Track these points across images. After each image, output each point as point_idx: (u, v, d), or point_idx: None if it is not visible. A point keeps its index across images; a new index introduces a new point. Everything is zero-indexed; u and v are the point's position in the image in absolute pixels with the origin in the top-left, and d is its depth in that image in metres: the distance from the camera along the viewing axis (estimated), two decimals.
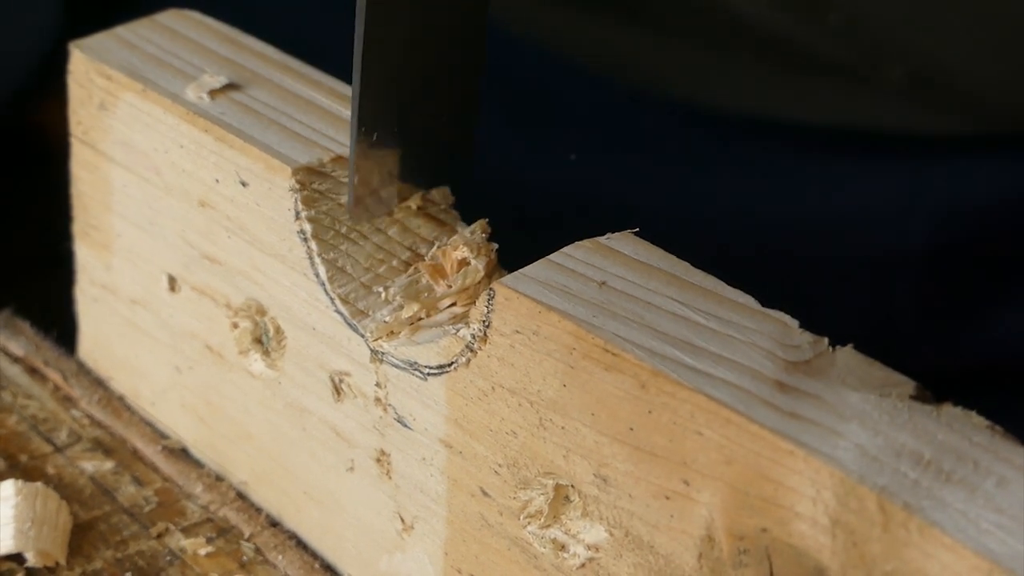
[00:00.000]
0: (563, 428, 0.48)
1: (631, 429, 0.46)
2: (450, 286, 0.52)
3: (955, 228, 0.77)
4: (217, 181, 0.56)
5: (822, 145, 0.77)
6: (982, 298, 0.78)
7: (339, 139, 0.55)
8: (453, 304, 0.52)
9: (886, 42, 0.74)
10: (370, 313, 0.53)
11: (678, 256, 0.49)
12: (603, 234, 0.50)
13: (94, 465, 0.61)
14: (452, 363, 0.50)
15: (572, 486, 0.48)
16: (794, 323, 0.46)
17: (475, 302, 0.50)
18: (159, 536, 0.58)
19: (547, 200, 0.80)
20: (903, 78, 0.74)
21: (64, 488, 0.60)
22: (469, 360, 0.49)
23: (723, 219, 0.79)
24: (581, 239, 0.50)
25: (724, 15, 0.75)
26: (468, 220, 0.55)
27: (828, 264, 0.78)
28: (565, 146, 0.80)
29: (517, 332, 0.48)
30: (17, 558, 0.56)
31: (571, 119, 0.80)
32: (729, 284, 0.48)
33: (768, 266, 0.78)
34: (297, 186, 0.53)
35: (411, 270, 0.53)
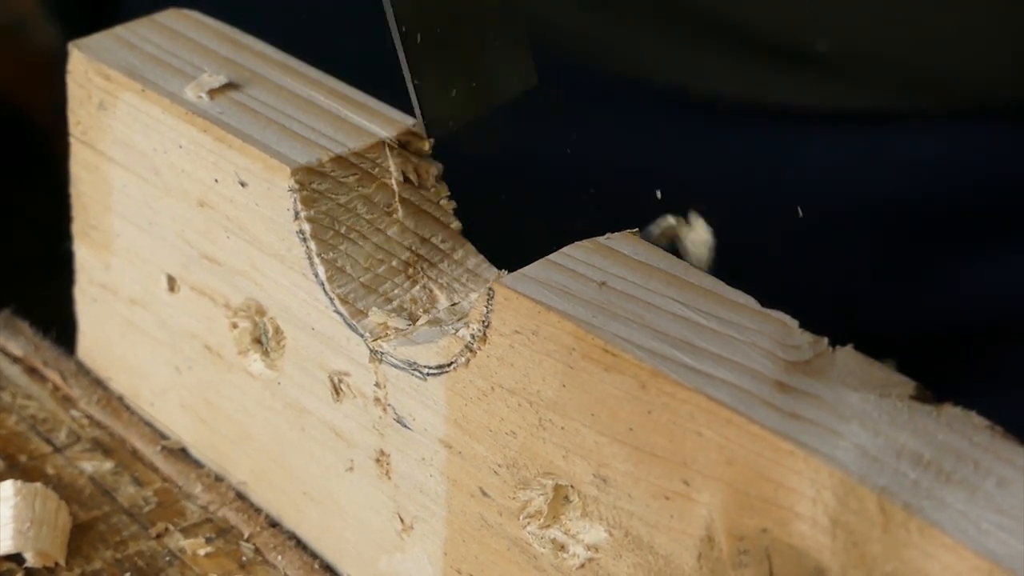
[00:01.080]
0: (563, 428, 0.48)
1: (631, 429, 0.46)
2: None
3: (908, 191, 0.78)
4: (216, 181, 0.56)
5: (761, 119, 0.78)
6: (938, 260, 0.79)
7: (338, 139, 0.55)
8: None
9: (812, 17, 0.75)
10: (369, 313, 0.53)
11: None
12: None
13: (93, 465, 0.61)
14: (451, 363, 0.50)
15: (572, 486, 0.48)
16: (794, 323, 0.46)
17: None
18: (158, 536, 0.58)
19: (535, 187, 0.80)
20: (830, 52, 0.75)
21: (63, 488, 0.60)
22: (468, 360, 0.49)
23: (675, 194, 0.80)
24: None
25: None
26: (466, 214, 0.54)
27: (786, 232, 0.79)
28: (543, 133, 0.81)
29: (517, 332, 0.48)
30: (16, 558, 0.56)
31: (546, 106, 0.81)
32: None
33: (727, 236, 0.79)
34: (296, 186, 0.53)
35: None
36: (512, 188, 0.80)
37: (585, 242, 0.50)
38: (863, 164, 0.78)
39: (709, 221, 0.76)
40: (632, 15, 0.78)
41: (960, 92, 0.77)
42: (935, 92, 0.77)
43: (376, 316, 0.53)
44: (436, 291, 0.53)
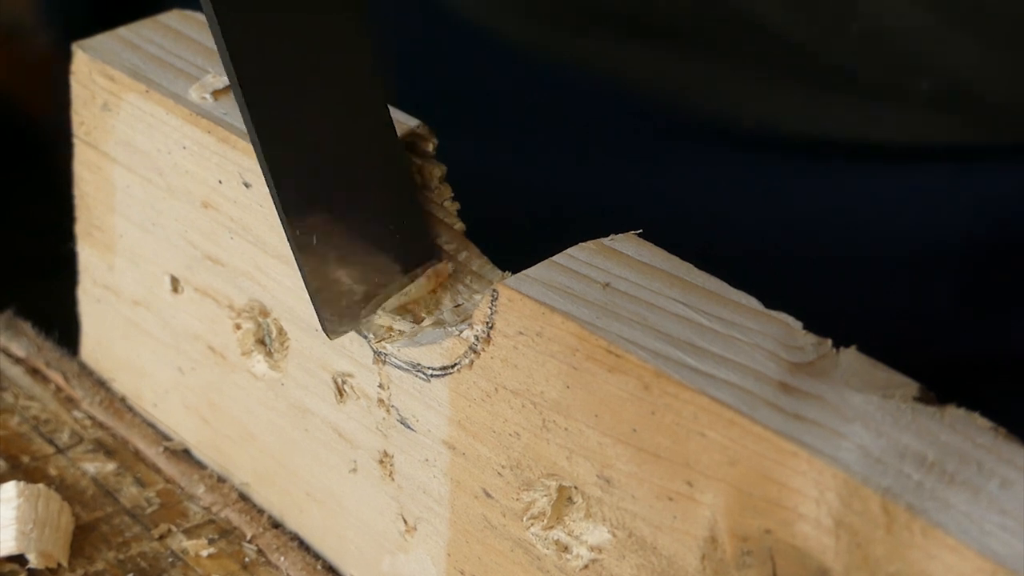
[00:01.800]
0: (566, 429, 0.48)
1: (634, 430, 0.46)
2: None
3: (990, 228, 0.77)
4: (220, 182, 0.56)
5: (843, 157, 0.77)
6: (1017, 297, 0.78)
7: None
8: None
9: (911, 54, 0.74)
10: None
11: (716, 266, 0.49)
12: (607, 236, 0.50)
13: (96, 466, 0.61)
14: (455, 364, 0.50)
15: (575, 487, 0.48)
16: (797, 324, 0.46)
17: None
18: (161, 537, 0.58)
19: (550, 206, 0.80)
20: (929, 91, 0.74)
21: (66, 489, 0.60)
22: (472, 361, 0.49)
23: (759, 226, 0.79)
24: (584, 241, 0.50)
25: (740, 26, 0.75)
26: (469, 225, 0.54)
27: (864, 264, 0.78)
28: (567, 153, 0.80)
29: (520, 333, 0.48)
30: (19, 559, 0.56)
31: (574, 127, 0.80)
32: (764, 292, 0.47)
33: (804, 270, 0.78)
34: None
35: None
36: (514, 194, 0.80)
37: (589, 243, 0.50)
38: (945, 200, 0.77)
39: (786, 259, 0.76)
40: (714, 53, 0.77)
41: None
42: (1005, 128, 0.76)
43: (380, 318, 0.53)
44: (440, 292, 0.53)
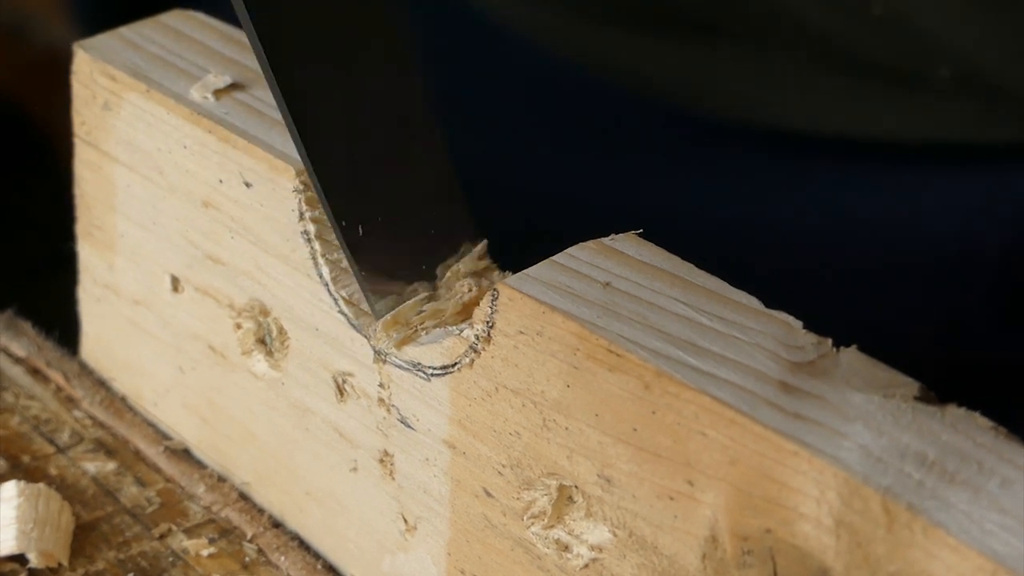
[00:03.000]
0: (567, 429, 0.48)
1: (635, 430, 0.46)
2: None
3: (1011, 231, 0.75)
4: (221, 181, 0.56)
5: (872, 156, 0.76)
6: None
7: None
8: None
9: (931, 41, 0.72)
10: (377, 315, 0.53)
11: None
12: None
13: (96, 466, 0.61)
14: (456, 364, 0.50)
15: (576, 487, 0.48)
16: (797, 324, 0.46)
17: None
18: (161, 537, 0.58)
19: (553, 205, 0.80)
20: (949, 80, 0.72)
21: (66, 489, 0.60)
22: (473, 361, 0.49)
23: (787, 230, 0.77)
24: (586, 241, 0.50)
25: (758, 16, 0.73)
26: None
27: (900, 270, 0.77)
28: (576, 151, 0.80)
29: (521, 333, 0.48)
30: (20, 559, 0.56)
31: (580, 124, 0.80)
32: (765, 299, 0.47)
33: (835, 273, 0.76)
34: (301, 187, 0.53)
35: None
36: (517, 192, 0.80)
37: (589, 243, 0.50)
38: (976, 203, 0.75)
39: (808, 258, 0.74)
40: (683, 41, 0.75)
41: None
42: None
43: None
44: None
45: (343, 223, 0.51)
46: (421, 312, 0.52)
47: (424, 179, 0.52)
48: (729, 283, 0.48)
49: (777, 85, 0.75)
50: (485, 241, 0.53)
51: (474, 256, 0.52)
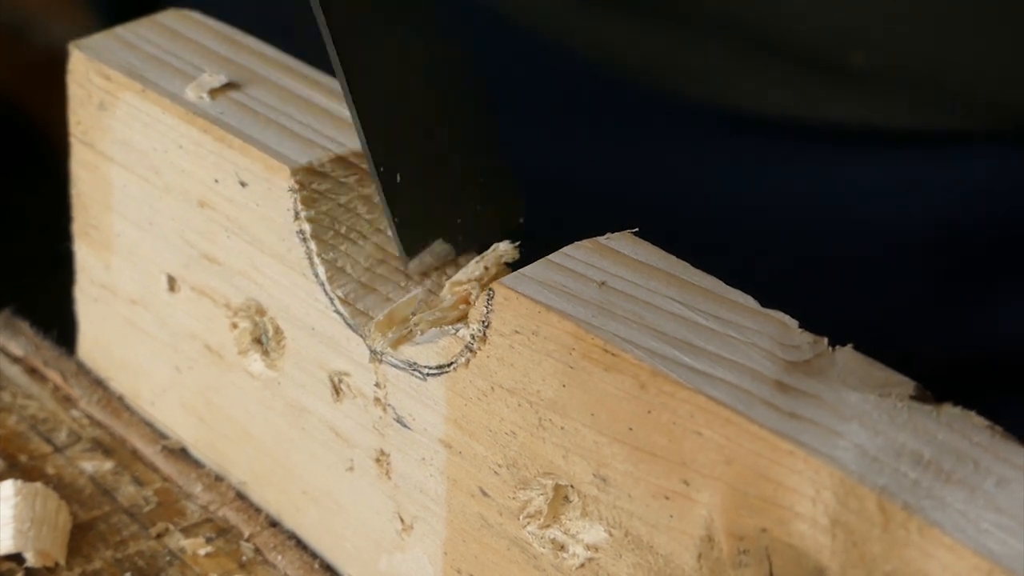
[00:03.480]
0: (562, 428, 0.48)
1: (630, 429, 0.46)
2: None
3: (958, 216, 0.76)
4: (216, 181, 0.56)
5: (804, 136, 0.77)
6: (989, 287, 0.77)
7: (339, 139, 0.55)
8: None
9: (848, 28, 0.73)
10: (372, 314, 0.53)
11: (676, 251, 0.49)
12: (604, 230, 0.50)
13: (94, 465, 0.61)
14: (451, 363, 0.50)
15: (571, 486, 0.48)
16: (793, 323, 0.46)
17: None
18: (159, 536, 0.58)
19: (551, 197, 0.79)
20: (865, 66, 0.73)
21: (64, 488, 0.60)
22: (468, 360, 0.49)
23: (716, 215, 0.78)
24: (581, 237, 0.50)
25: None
26: None
27: (831, 257, 0.78)
28: (567, 140, 0.80)
29: (516, 332, 0.48)
30: (16, 558, 0.56)
31: (569, 113, 0.80)
32: (730, 280, 0.48)
33: (769, 261, 0.77)
34: (296, 186, 0.53)
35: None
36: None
37: (585, 242, 0.50)
38: (903, 187, 0.76)
39: (742, 241, 0.74)
40: (661, 27, 0.76)
41: (1003, 114, 0.75)
42: (978, 113, 0.74)
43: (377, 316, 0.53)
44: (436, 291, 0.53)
45: (381, 169, 0.52)
46: (418, 312, 0.52)
47: (465, 136, 0.53)
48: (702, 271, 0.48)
49: (720, 69, 0.76)
50: (504, 243, 0.52)
51: (482, 261, 0.52)
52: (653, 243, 0.50)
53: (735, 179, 0.78)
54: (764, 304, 0.47)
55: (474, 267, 0.51)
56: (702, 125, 0.77)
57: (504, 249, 0.51)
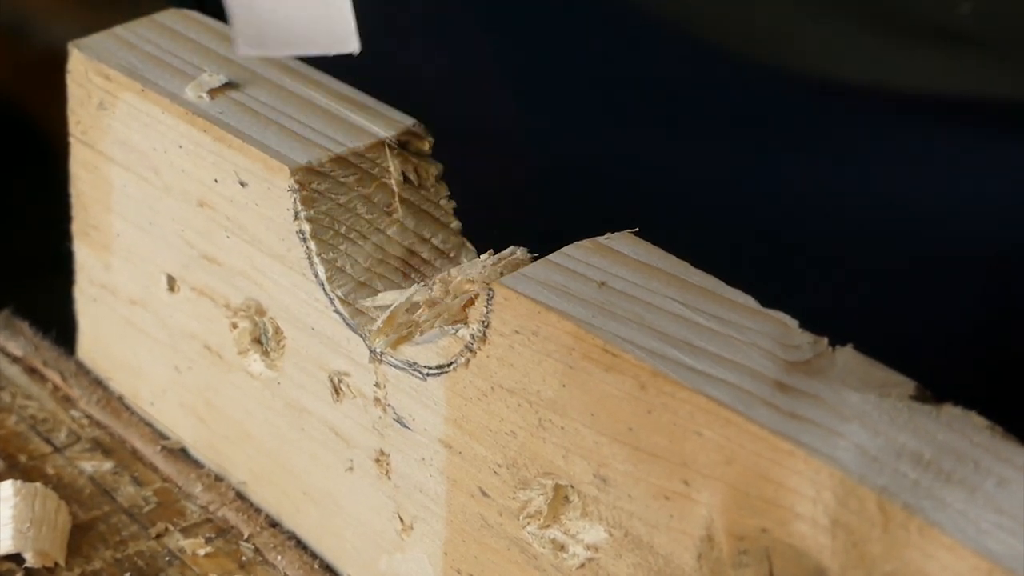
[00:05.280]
0: (562, 428, 0.48)
1: (631, 429, 0.46)
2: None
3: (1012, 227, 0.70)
4: (216, 181, 0.56)
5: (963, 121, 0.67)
6: None
7: (338, 139, 0.55)
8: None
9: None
10: (372, 315, 0.53)
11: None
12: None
13: (93, 465, 0.61)
14: (451, 363, 0.50)
15: (571, 486, 0.48)
16: (794, 323, 0.46)
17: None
18: (158, 536, 0.58)
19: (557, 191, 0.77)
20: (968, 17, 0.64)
21: (63, 488, 0.60)
22: (468, 360, 0.49)
23: (846, 204, 0.71)
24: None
25: None
26: (466, 214, 0.54)
27: (936, 257, 0.70)
28: (684, 128, 0.74)
29: (516, 332, 0.48)
30: (16, 558, 0.56)
31: (694, 102, 0.74)
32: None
33: (887, 254, 0.71)
34: (296, 186, 0.53)
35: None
36: (518, 187, 0.79)
37: (585, 242, 0.50)
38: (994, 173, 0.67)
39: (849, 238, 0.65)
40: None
41: None
42: None
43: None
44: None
45: None
46: (417, 311, 0.52)
47: None
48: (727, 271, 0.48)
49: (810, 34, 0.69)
50: (520, 249, 0.51)
51: (497, 266, 0.52)
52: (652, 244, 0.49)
53: (829, 166, 0.70)
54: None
55: (485, 269, 0.51)
56: (825, 105, 0.69)
57: (520, 256, 0.51)
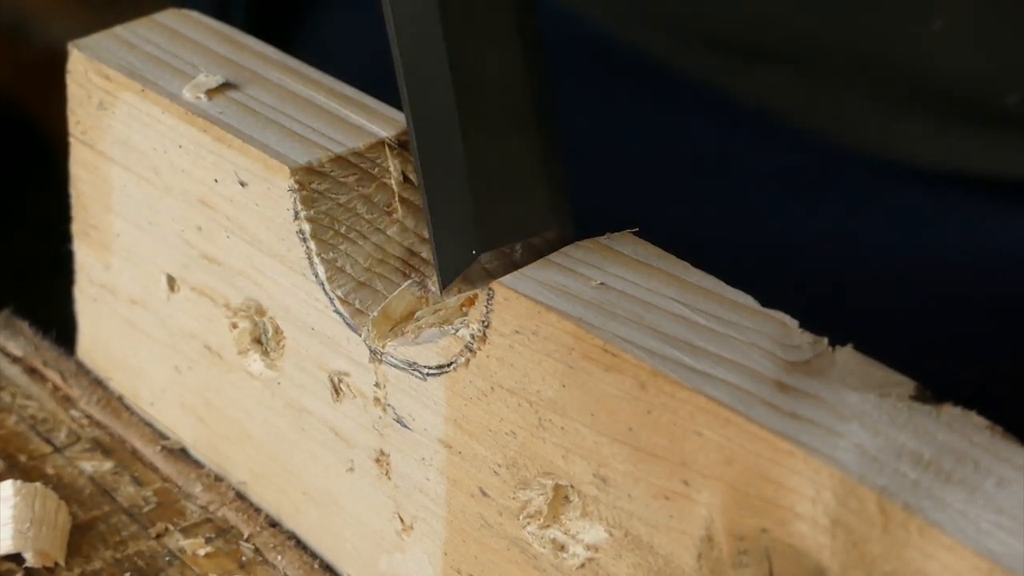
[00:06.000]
0: (562, 428, 0.48)
1: (630, 429, 0.46)
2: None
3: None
4: (216, 181, 0.56)
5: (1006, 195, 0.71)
6: None
7: (338, 139, 0.55)
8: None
9: (997, 67, 0.68)
10: (369, 313, 0.53)
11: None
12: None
13: (93, 465, 0.61)
14: (451, 363, 0.50)
15: (571, 486, 0.48)
16: (793, 323, 0.46)
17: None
18: (158, 536, 0.58)
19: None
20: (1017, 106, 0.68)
21: (63, 488, 0.60)
22: (468, 360, 0.49)
23: (908, 268, 0.73)
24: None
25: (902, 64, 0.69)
26: None
27: (990, 324, 0.72)
28: (743, 197, 0.75)
29: (516, 332, 0.48)
30: (16, 558, 0.56)
31: (714, 160, 0.76)
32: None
33: (924, 321, 0.72)
34: (296, 186, 0.53)
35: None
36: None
37: (585, 242, 0.50)
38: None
39: (881, 294, 0.68)
40: (807, 72, 0.72)
41: None
42: None
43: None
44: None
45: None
46: (417, 311, 0.52)
47: (518, 156, 0.51)
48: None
49: (868, 116, 0.71)
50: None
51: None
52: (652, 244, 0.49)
53: (886, 233, 0.73)
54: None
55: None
56: (854, 175, 0.73)
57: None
